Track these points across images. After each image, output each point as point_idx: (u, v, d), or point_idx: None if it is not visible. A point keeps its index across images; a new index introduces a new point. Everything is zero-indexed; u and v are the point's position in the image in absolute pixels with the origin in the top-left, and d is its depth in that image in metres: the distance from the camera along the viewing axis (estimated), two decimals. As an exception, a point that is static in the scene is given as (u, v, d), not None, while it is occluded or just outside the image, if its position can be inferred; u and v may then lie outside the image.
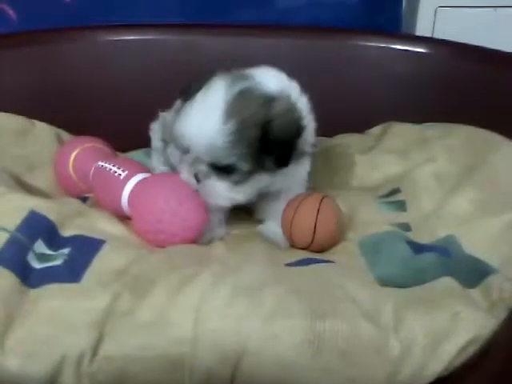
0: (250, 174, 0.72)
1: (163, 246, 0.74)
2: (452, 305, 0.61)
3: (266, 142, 0.69)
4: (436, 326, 0.59)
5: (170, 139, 0.77)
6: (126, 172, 0.80)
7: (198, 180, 0.73)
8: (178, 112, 0.74)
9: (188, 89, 0.74)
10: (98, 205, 0.83)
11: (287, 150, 0.72)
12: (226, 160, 0.70)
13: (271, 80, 0.74)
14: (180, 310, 0.60)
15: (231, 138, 0.68)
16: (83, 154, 0.88)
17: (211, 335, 0.58)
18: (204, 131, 0.69)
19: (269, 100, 0.71)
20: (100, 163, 0.83)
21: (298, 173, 0.79)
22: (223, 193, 0.73)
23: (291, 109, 0.73)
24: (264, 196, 0.81)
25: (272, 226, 0.83)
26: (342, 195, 0.85)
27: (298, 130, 0.73)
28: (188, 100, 0.72)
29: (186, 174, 0.74)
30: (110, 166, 0.81)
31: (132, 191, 0.78)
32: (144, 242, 0.76)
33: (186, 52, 1.12)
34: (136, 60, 1.12)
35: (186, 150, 0.72)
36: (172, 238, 0.74)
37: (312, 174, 1.00)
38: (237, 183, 0.72)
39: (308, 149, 0.78)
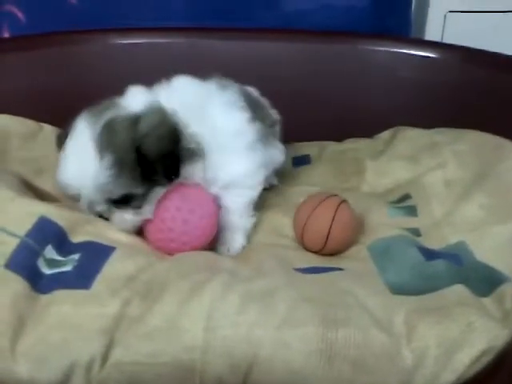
0: (146, 194, 0.72)
1: (172, 254, 0.74)
2: (465, 314, 0.61)
3: (146, 162, 0.70)
4: (449, 336, 0.59)
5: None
6: None
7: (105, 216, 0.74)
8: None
9: (62, 138, 0.75)
10: None
11: (170, 160, 0.72)
12: (118, 192, 0.71)
13: (136, 99, 0.74)
14: (190, 317, 0.60)
15: (112, 170, 0.69)
16: None
17: (222, 342, 0.58)
18: (85, 174, 0.69)
19: (135, 121, 0.71)
20: None
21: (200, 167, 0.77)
22: (131, 221, 0.74)
23: (159, 122, 0.72)
24: None
25: None
26: (352, 200, 0.84)
27: (173, 139, 0.72)
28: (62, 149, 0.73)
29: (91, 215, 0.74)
30: None
31: None
32: (153, 249, 0.75)
33: (195, 56, 1.12)
34: (145, 63, 1.12)
35: (76, 199, 0.73)
36: (183, 246, 0.74)
37: (321, 179, 1.01)
38: (138, 207, 0.73)
39: (197, 146, 0.75)
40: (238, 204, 0.81)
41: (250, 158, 0.82)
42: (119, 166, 0.69)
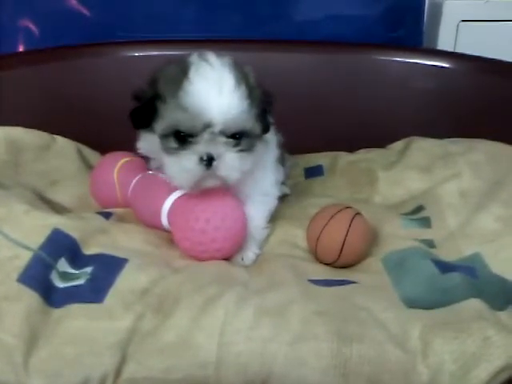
0: (255, 140, 0.75)
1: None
2: (482, 328, 0.59)
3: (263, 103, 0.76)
4: (465, 351, 0.57)
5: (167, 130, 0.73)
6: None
7: (209, 162, 0.71)
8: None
9: (155, 80, 0.76)
10: (132, 218, 0.84)
11: (268, 115, 0.78)
12: (248, 124, 0.73)
13: None
14: (204, 332, 0.60)
15: (247, 102, 0.71)
16: (131, 164, 0.89)
17: (235, 358, 0.58)
18: (224, 104, 0.70)
19: (246, 73, 0.76)
20: (150, 172, 0.84)
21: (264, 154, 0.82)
22: (237, 164, 0.73)
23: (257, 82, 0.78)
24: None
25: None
26: (365, 211, 0.84)
27: (270, 97, 0.78)
28: (171, 84, 0.72)
29: (192, 163, 0.71)
30: (160, 174, 0.80)
31: (173, 206, 0.78)
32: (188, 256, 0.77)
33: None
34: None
35: (204, 127, 0.70)
36: (215, 253, 0.75)
37: (333, 190, 1.00)
38: (244, 152, 0.74)
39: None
40: (259, 212, 0.82)
41: (275, 172, 0.86)
42: (251, 99, 0.72)
